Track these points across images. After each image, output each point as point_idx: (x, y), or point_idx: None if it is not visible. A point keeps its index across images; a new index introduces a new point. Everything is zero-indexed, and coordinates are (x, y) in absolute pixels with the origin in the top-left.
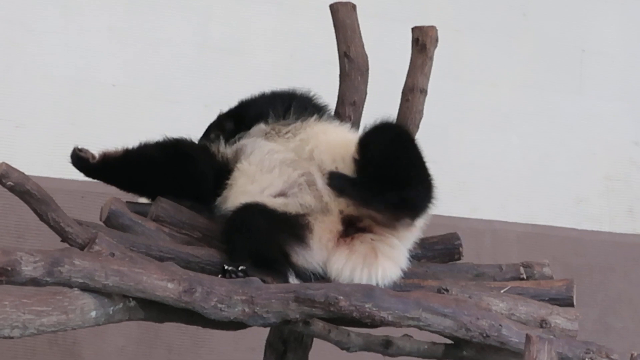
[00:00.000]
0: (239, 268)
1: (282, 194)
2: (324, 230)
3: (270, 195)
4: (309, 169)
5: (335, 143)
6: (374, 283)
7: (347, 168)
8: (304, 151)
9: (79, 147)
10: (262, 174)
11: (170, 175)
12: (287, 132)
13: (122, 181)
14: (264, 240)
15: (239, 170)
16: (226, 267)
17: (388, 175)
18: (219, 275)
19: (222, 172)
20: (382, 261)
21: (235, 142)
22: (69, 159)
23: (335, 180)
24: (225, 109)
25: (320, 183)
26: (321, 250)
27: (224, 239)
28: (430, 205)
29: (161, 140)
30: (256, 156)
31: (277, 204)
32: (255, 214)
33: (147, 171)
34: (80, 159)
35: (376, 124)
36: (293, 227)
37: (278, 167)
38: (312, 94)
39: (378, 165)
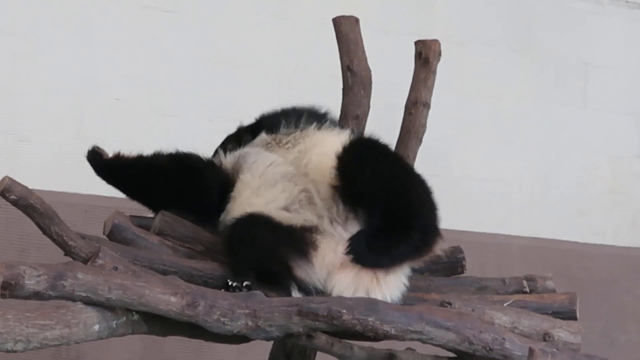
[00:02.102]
0: (243, 284)
1: (285, 209)
2: (328, 251)
3: (276, 208)
4: (307, 185)
5: (331, 156)
6: None
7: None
8: (302, 165)
9: (98, 146)
10: (266, 189)
11: (176, 185)
12: (287, 143)
13: (129, 184)
14: (267, 252)
15: (242, 183)
16: (230, 283)
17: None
18: (222, 290)
19: (225, 185)
20: (386, 281)
21: (236, 151)
22: (85, 154)
23: (354, 253)
24: (246, 122)
25: (319, 201)
26: (323, 269)
27: (227, 248)
28: (439, 219)
29: (173, 152)
30: (259, 168)
31: (283, 216)
32: (259, 225)
33: (154, 178)
34: (95, 153)
35: (347, 149)
36: (298, 241)
37: (280, 182)
38: (328, 111)
39: (373, 200)
